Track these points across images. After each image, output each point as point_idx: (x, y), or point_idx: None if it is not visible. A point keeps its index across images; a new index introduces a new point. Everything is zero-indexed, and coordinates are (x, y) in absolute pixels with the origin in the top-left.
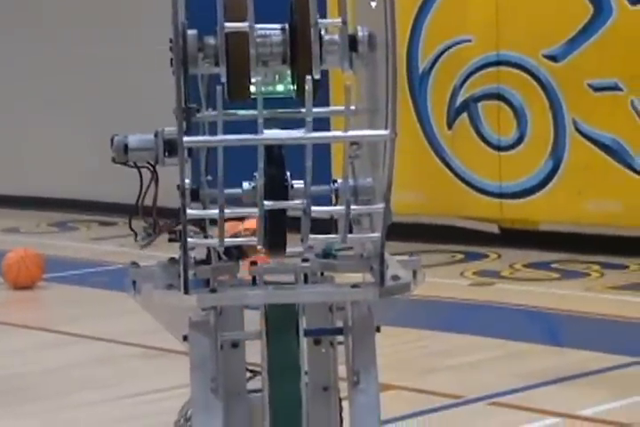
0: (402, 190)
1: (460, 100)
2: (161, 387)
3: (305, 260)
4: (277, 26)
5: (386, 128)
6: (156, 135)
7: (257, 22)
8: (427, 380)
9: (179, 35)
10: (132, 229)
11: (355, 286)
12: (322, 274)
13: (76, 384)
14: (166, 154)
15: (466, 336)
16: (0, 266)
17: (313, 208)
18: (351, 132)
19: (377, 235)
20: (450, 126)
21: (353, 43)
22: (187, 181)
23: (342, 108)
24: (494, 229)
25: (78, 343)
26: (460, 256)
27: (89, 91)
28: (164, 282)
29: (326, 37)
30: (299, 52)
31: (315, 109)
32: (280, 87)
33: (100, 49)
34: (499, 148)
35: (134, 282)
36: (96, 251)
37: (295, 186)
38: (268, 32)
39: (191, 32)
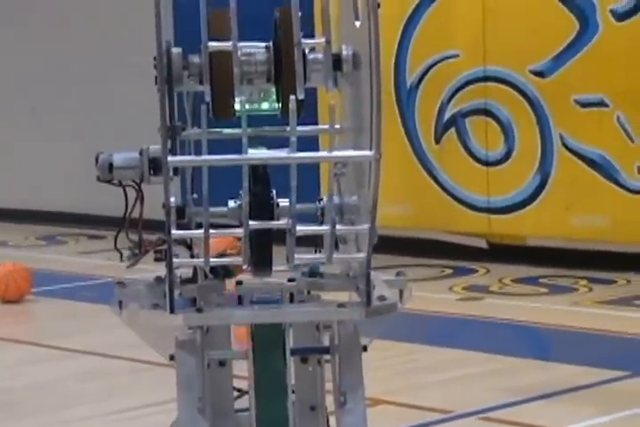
0: (390, 204)
1: (447, 115)
2: (151, 401)
3: (291, 279)
4: (262, 44)
5: (370, 149)
6: (140, 153)
7: (242, 40)
8: (416, 394)
9: (162, 53)
10: (117, 249)
11: (341, 305)
12: (308, 293)
13: (65, 399)
14: (151, 172)
15: (455, 351)
16: None
17: (298, 228)
18: (336, 153)
19: (362, 255)
20: (437, 141)
21: (337, 62)
22: (172, 199)
23: (327, 126)
24: (482, 244)
25: (68, 358)
26: (448, 271)
27: (77, 103)
28: (149, 301)
29: (310, 56)
30: (282, 71)
31: (299, 128)
32: (265, 105)
33: (91, 62)
34: (487, 163)
35: (120, 302)
36: (85, 264)
37: (281, 204)
38: (252, 50)
39: (176, 50)
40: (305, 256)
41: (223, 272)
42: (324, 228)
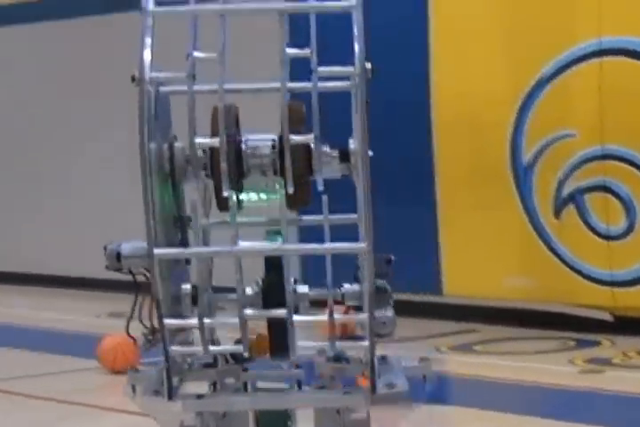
0: (510, 277)
1: (565, 191)
2: None
3: (297, 366)
4: (269, 137)
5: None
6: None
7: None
8: None
9: (144, 147)
10: (129, 335)
11: (346, 392)
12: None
13: None
14: None
15: (568, 423)
16: (97, 351)
17: (297, 318)
18: (328, 245)
19: (366, 343)
20: (557, 216)
21: (344, 154)
22: (188, 286)
23: (321, 217)
24: (607, 316)
25: None
26: (571, 343)
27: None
28: (153, 387)
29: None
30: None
31: (292, 217)
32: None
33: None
34: (607, 237)
35: (133, 386)
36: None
37: (299, 291)
38: (258, 144)
39: (179, 144)
40: (309, 344)
41: (242, 357)
42: (323, 318)
